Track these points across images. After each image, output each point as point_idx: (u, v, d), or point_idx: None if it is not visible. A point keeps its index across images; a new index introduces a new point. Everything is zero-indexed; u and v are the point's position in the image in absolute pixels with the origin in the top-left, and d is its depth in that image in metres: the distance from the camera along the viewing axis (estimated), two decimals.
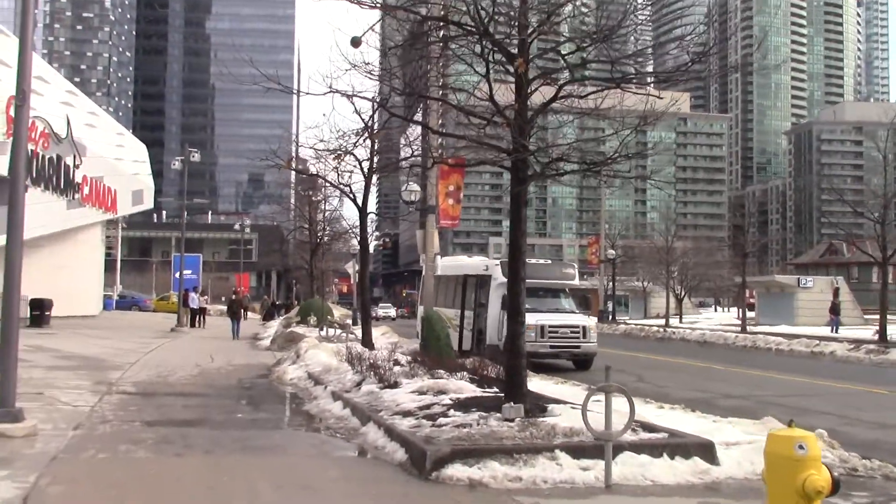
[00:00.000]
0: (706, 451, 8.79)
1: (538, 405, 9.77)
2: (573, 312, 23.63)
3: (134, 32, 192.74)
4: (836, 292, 48.90)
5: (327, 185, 29.71)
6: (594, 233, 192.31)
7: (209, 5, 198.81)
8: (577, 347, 22.13)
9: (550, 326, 21.87)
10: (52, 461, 8.27)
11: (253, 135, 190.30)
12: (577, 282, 24.89)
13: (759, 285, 63.81)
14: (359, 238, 20.17)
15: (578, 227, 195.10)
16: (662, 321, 56.05)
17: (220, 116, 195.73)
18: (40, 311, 32.62)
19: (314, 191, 39.29)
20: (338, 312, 43.38)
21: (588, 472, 8.06)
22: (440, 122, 13.75)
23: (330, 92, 10.22)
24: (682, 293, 60.90)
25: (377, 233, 73.99)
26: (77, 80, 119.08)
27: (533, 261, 26.85)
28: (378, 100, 10.62)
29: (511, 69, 9.54)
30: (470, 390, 11.43)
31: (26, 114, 9.71)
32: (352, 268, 45.30)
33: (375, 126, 16.11)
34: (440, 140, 20.60)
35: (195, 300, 40.77)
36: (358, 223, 22.39)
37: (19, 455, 8.58)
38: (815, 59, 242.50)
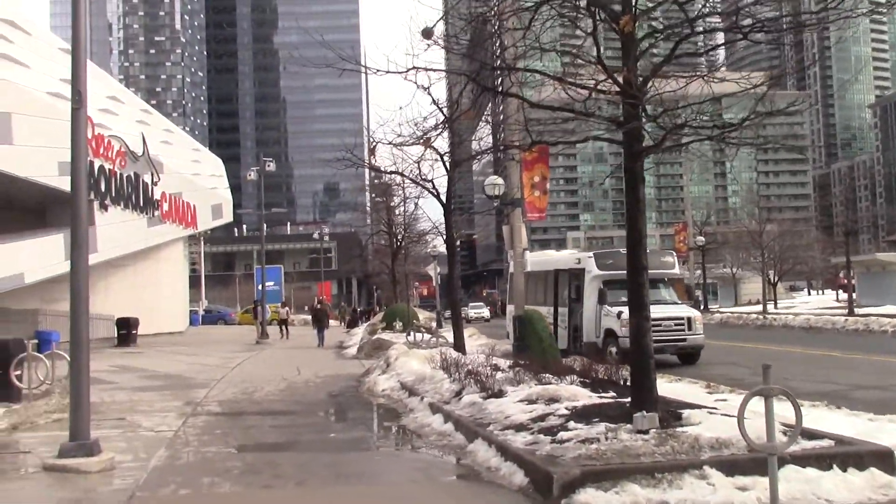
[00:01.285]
0: (884, 459, 7.36)
1: (671, 412, 8.46)
2: (676, 303, 22.06)
3: (205, 52, 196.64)
4: None
5: (404, 184, 28.84)
6: (674, 221, 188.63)
7: (275, 21, 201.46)
8: (683, 340, 20.58)
9: (653, 319, 20.32)
10: (130, 501, 7.35)
11: (325, 144, 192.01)
12: (677, 270, 23.31)
13: (858, 265, 60.38)
14: (444, 237, 18.98)
15: (658, 217, 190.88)
16: (756, 308, 53.52)
17: (292, 129, 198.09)
18: (127, 330, 32.63)
19: (388, 195, 38.52)
20: (422, 316, 42.35)
21: (748, 493, 6.75)
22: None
23: (412, 70, 9.04)
24: (776, 278, 58.11)
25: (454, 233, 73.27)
26: (153, 102, 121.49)
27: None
28: (468, 74, 9.44)
29: (616, 28, 8.27)
30: (585, 397, 10.16)
31: (83, 117, 8.83)
32: (433, 270, 44.22)
33: (458, 108, 14.89)
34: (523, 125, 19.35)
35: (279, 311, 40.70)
36: (439, 222, 21.38)
37: (93, 494, 7.72)
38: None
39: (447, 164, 18.64)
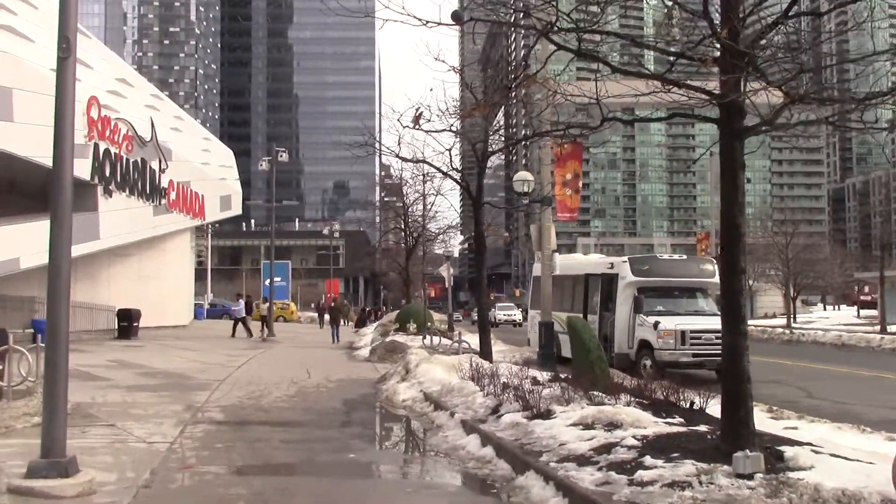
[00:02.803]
0: None
1: (769, 449, 6.95)
2: (715, 315, 20.49)
3: (219, 45, 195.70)
4: None
5: (424, 178, 27.40)
6: (685, 231, 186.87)
7: (291, 15, 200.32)
8: None
9: (693, 332, 18.84)
10: None
11: (337, 142, 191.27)
12: (716, 279, 21.74)
13: (886, 281, 58.80)
14: (472, 233, 17.50)
15: (670, 226, 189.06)
16: (774, 321, 51.88)
17: (303, 125, 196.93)
18: (128, 322, 31.20)
19: (400, 194, 37.11)
20: (435, 318, 40.85)
21: None
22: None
23: (469, 21, 7.52)
24: (795, 292, 56.36)
25: (462, 236, 71.44)
26: (166, 93, 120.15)
27: (665, 256, 23.92)
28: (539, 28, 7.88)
29: None
30: (650, 422, 8.66)
31: (72, 69, 7.37)
32: (446, 270, 42.73)
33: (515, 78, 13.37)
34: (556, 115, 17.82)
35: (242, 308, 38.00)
36: (455, 220, 19.91)
37: None
38: None
39: (478, 154, 17.15)
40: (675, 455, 7.06)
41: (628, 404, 9.68)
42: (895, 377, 20.06)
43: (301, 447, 9.78)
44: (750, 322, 25.73)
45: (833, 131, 9.50)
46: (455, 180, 18.87)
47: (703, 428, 8.44)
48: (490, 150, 17.05)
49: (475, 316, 65.26)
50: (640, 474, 6.59)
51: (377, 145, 17.78)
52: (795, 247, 47.58)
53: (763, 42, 6.62)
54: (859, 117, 7.10)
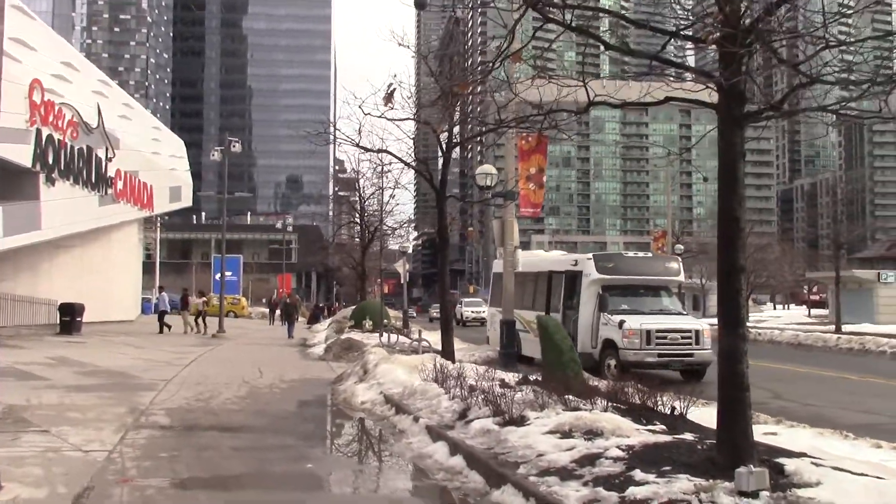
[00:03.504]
0: None
1: (766, 462, 6.40)
2: (680, 314, 20.16)
3: (171, 34, 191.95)
4: None
5: (383, 168, 26.63)
6: (637, 229, 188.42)
7: (245, 6, 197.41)
8: (690, 356, 18.62)
9: (658, 331, 18.41)
10: None
11: (291, 135, 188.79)
12: (682, 277, 21.41)
13: (830, 280, 59.52)
14: (427, 228, 16.79)
15: (623, 224, 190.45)
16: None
17: (257, 117, 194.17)
18: (70, 316, 29.92)
19: (352, 189, 36.28)
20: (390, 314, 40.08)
21: None
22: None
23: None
24: (748, 291, 56.55)
25: (415, 232, 70.61)
26: (116, 81, 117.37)
27: (630, 254, 23.51)
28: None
29: None
30: (632, 430, 8.07)
31: None
32: (402, 266, 41.98)
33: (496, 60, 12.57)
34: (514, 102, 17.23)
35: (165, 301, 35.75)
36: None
37: None
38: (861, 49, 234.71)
39: (442, 144, 16.46)
40: (667, 468, 6.47)
41: (605, 410, 9.08)
42: (857, 378, 19.88)
43: (253, 455, 9.00)
44: (705, 320, 25.37)
45: (836, 121, 8.99)
46: (418, 171, 18.18)
47: (689, 437, 7.88)
48: (455, 140, 16.38)
49: (433, 313, 64.03)
50: (633, 491, 5.99)
51: (334, 133, 16.93)
52: (749, 246, 47.60)
53: (773, 17, 6.04)
54: (860, 106, 6.55)
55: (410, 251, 55.04)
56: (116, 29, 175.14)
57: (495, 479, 7.26)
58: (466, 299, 61.45)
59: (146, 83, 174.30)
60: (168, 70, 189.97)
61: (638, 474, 6.37)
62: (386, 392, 12.77)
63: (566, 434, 8.06)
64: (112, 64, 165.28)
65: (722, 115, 6.46)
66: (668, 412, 9.18)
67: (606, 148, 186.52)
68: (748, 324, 31.75)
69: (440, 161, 18.15)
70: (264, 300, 75.72)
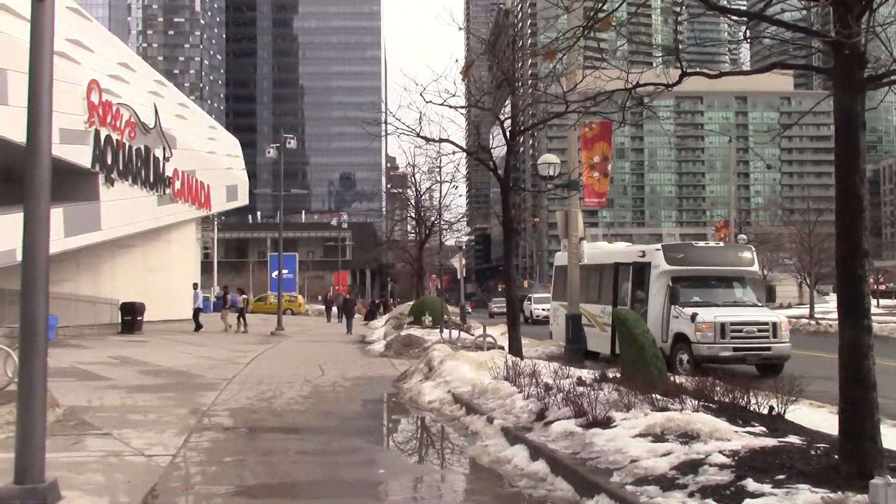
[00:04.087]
0: None
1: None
2: (756, 306, 19.24)
3: (224, 36, 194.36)
4: None
5: (440, 161, 26.12)
6: (694, 221, 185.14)
7: (296, 5, 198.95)
8: (768, 349, 17.75)
9: (733, 324, 17.58)
10: None
11: (343, 133, 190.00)
12: (756, 268, 20.45)
13: None
14: (500, 217, 16.20)
15: (678, 216, 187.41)
16: (792, 311, 50.32)
17: (309, 115, 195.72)
18: (132, 316, 30.08)
19: (405, 186, 35.85)
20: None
21: None
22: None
23: None
24: (814, 281, 54.74)
25: (468, 228, 69.88)
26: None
27: (701, 244, 22.62)
28: None
29: None
30: (730, 432, 7.40)
31: (50, 14, 6.11)
32: (458, 261, 41.49)
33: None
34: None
35: (237, 300, 35.73)
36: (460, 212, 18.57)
37: None
38: None
39: (507, 132, 15.85)
40: (782, 477, 5.81)
41: (696, 410, 8.41)
42: None
43: (322, 460, 8.54)
44: (779, 312, 24.01)
45: None
46: (481, 160, 17.57)
47: (795, 440, 7.19)
48: (519, 128, 15.77)
49: (494, 308, 62.87)
50: None
51: (393, 122, 16.48)
52: (817, 236, 46.10)
53: None
54: None
55: (464, 247, 54.43)
56: (171, 32, 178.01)
57: (586, 487, 6.67)
58: (536, 295, 57.53)
59: (200, 84, 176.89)
60: (221, 71, 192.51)
61: (751, 484, 5.72)
62: (454, 391, 12.24)
63: (658, 437, 7.43)
64: (167, 66, 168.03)
65: (840, 79, 5.76)
66: (766, 412, 8.47)
67: (661, 138, 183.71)
68: (816, 314, 30.37)
69: (493, 152, 17.64)
70: (320, 297, 75.93)
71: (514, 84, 14.67)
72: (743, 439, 7.16)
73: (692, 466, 6.40)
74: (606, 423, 8.09)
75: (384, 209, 47.93)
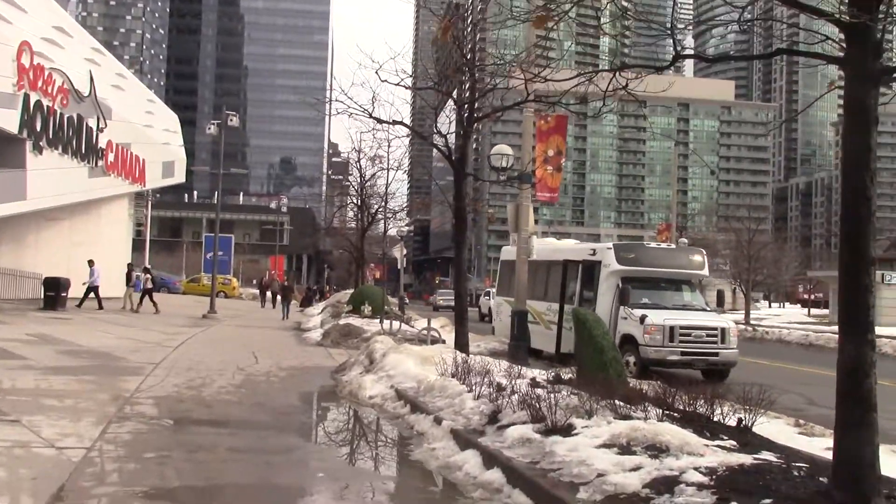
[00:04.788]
0: None
1: (892, 497, 5.24)
2: (704, 310, 18.99)
3: (168, 10, 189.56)
4: None
5: (387, 148, 25.29)
6: (631, 223, 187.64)
7: None
8: (716, 355, 17.50)
9: (682, 328, 17.27)
10: None
11: (285, 116, 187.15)
12: (706, 271, 20.20)
13: (832, 280, 58.56)
14: (452, 206, 15.52)
15: (617, 217, 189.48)
16: (732, 317, 50.79)
17: (252, 97, 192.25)
18: (55, 291, 28.51)
19: (345, 173, 35.00)
20: None
21: None
22: None
23: None
24: (748, 288, 55.49)
25: (407, 219, 69.03)
26: None
27: (653, 244, 22.32)
28: None
29: None
30: (700, 446, 6.87)
31: None
32: (399, 251, 40.81)
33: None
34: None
35: (139, 283, 32.27)
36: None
37: None
38: None
39: (464, 118, 15.18)
40: (769, 502, 5.28)
41: (661, 419, 7.89)
42: (891, 383, 18.74)
43: (255, 459, 7.77)
44: (726, 317, 23.92)
45: None
46: (435, 146, 16.87)
47: (771, 457, 6.70)
48: (477, 114, 15.12)
49: (439, 300, 62.70)
50: None
51: (345, 101, 15.58)
52: (756, 243, 46.66)
53: None
54: None
55: (405, 236, 53.80)
56: (112, 2, 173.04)
57: (548, 503, 6.07)
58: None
59: (141, 59, 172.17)
60: (164, 46, 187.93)
61: None
62: (398, 386, 11.55)
63: (624, 449, 6.86)
64: (107, 38, 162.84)
65: (852, 70, 5.24)
66: (734, 423, 7.98)
67: (603, 139, 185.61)
68: (748, 320, 30.40)
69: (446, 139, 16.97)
70: (255, 281, 74.47)
71: (474, 66, 14.06)
72: (716, 455, 6.64)
73: (667, 485, 5.84)
74: (567, 430, 7.51)
75: (324, 195, 46.87)
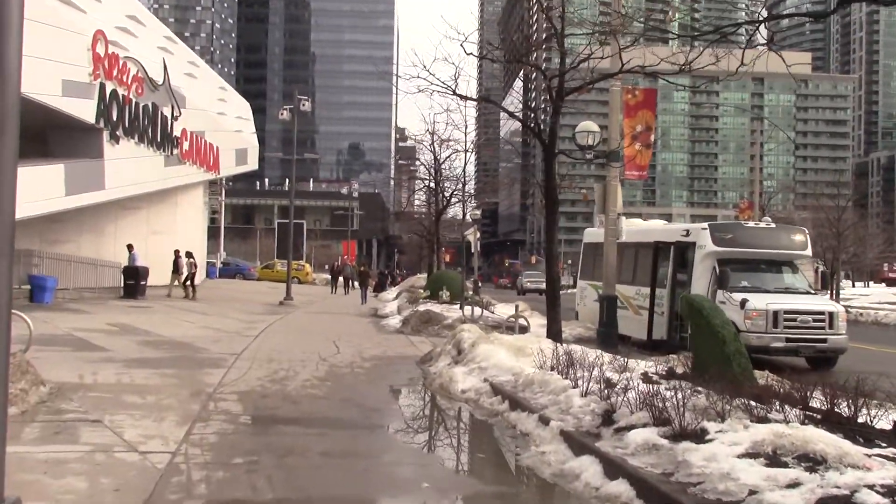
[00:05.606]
0: None
1: None
2: (809, 293, 17.76)
3: (236, 0, 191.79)
4: None
5: (465, 127, 24.54)
6: (705, 202, 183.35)
7: None
8: (823, 341, 16.31)
9: (786, 312, 16.13)
10: None
11: (352, 102, 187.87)
12: (809, 252, 18.91)
13: None
14: (542, 187, 14.69)
15: (689, 196, 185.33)
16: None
17: (320, 83, 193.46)
18: (135, 280, 28.67)
19: (412, 159, 34.36)
20: None
21: None
22: None
23: None
24: (836, 268, 53.20)
25: (475, 202, 68.18)
26: None
27: (751, 223, 21.07)
28: None
29: None
30: (860, 456, 5.97)
31: None
32: (473, 235, 40.11)
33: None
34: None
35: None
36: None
37: None
38: None
39: (553, 93, 14.31)
40: None
41: (802, 422, 6.98)
42: None
43: (350, 466, 7.10)
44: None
45: None
46: (523, 122, 16.05)
47: None
48: (567, 87, 14.23)
49: (526, 283, 61.84)
50: None
51: (427, 77, 14.85)
52: (843, 221, 44.56)
53: None
54: None
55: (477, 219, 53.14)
56: None
57: None
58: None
59: (211, 48, 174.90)
60: (233, 35, 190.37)
61: None
62: (492, 380, 10.82)
63: (772, 459, 5.99)
64: (177, 28, 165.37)
65: None
66: (891, 427, 7.01)
67: (675, 117, 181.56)
68: (840, 302, 28.73)
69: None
70: (327, 267, 74.72)
71: (562, 38, 13.16)
72: (885, 468, 5.72)
73: None
74: (699, 435, 6.65)
75: (392, 179, 46.46)
